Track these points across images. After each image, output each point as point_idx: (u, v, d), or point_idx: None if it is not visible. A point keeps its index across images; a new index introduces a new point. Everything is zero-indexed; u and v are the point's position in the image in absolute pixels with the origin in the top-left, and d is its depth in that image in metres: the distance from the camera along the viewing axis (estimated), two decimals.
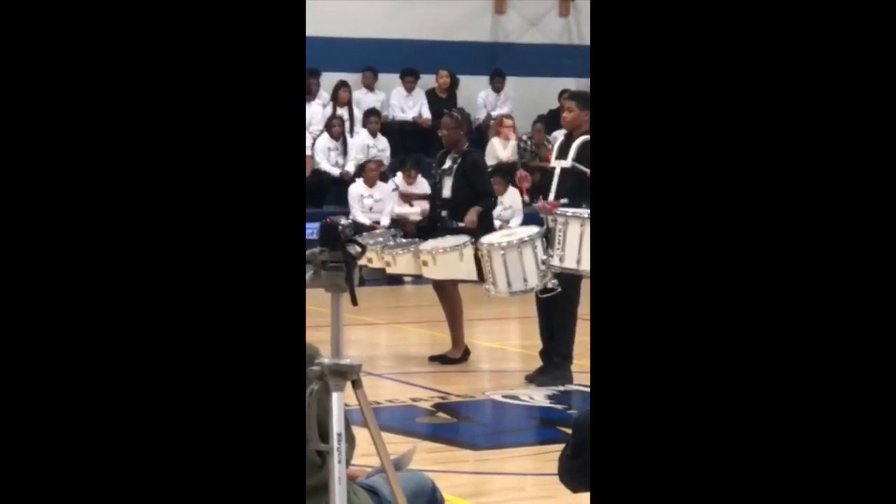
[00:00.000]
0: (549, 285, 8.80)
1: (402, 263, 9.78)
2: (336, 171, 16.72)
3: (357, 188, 16.03)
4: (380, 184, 16.07)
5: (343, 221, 3.52)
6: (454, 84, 18.47)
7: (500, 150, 17.24)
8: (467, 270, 9.30)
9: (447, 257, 9.40)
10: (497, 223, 11.60)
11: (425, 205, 10.69)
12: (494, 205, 9.97)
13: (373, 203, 15.95)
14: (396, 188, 16.15)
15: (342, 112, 17.28)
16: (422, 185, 15.46)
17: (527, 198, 14.05)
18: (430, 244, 9.63)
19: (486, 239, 9.12)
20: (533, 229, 9.26)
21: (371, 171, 15.99)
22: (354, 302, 3.48)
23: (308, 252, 3.48)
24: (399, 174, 16.31)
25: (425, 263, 9.53)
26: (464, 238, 9.40)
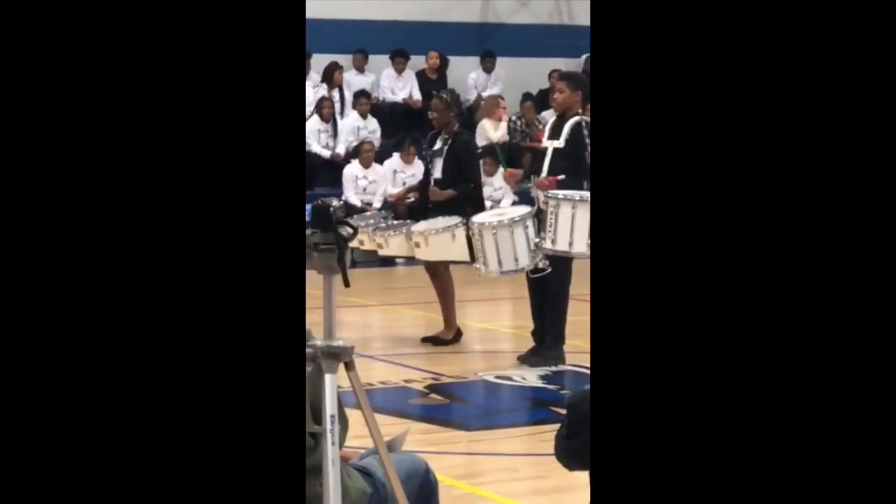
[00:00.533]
0: (540, 265, 8.82)
1: (394, 245, 9.79)
2: (326, 153, 16.71)
3: (352, 169, 16.04)
4: (375, 165, 16.07)
5: (334, 203, 3.51)
6: (444, 65, 18.46)
7: (490, 130, 17.22)
8: (460, 251, 9.30)
9: (439, 238, 9.41)
10: (488, 203, 11.59)
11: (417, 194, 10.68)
12: (474, 190, 9.92)
13: (367, 184, 15.95)
14: (395, 173, 16.11)
15: (333, 94, 17.26)
16: (417, 166, 15.47)
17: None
18: (421, 226, 9.63)
19: (477, 218, 9.13)
20: (524, 209, 9.27)
21: (366, 153, 16.00)
22: (347, 283, 3.48)
23: None
24: (396, 155, 16.28)
25: (417, 245, 9.53)
26: (456, 219, 9.40)
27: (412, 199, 10.42)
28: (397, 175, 16.11)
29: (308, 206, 3.51)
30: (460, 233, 9.27)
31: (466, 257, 9.22)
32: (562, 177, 8.72)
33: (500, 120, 17.37)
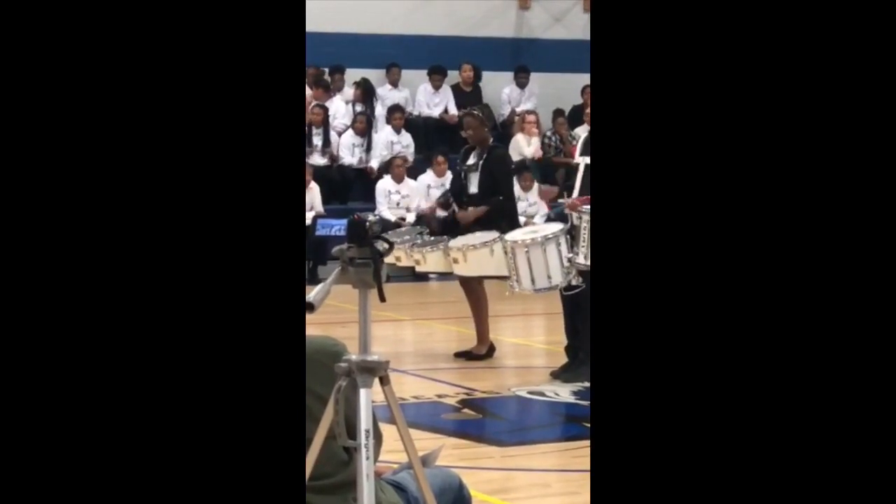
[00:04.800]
0: (574, 282, 8.79)
1: (431, 261, 9.73)
2: (361, 167, 16.73)
3: (385, 184, 16.04)
4: (407, 180, 16.07)
5: (371, 218, 3.51)
6: (478, 77, 18.45)
7: (524, 146, 17.21)
8: (497, 266, 9.25)
9: (478, 254, 9.36)
10: (522, 220, 11.58)
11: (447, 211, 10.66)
12: (504, 205, 9.89)
13: (400, 199, 15.95)
14: (429, 188, 16.11)
15: (361, 108, 17.29)
16: (450, 178, 15.46)
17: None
18: (459, 241, 9.59)
19: (510, 236, 9.11)
20: (557, 226, 9.24)
21: (398, 168, 16.00)
22: (382, 298, 3.48)
23: (335, 249, 3.49)
24: (429, 170, 16.29)
25: (456, 261, 9.48)
26: (493, 234, 9.37)
27: (444, 214, 10.41)
28: (431, 190, 16.10)
29: (344, 221, 3.52)
30: (498, 248, 9.22)
31: (504, 272, 9.17)
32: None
33: (531, 135, 17.36)
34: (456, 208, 9.92)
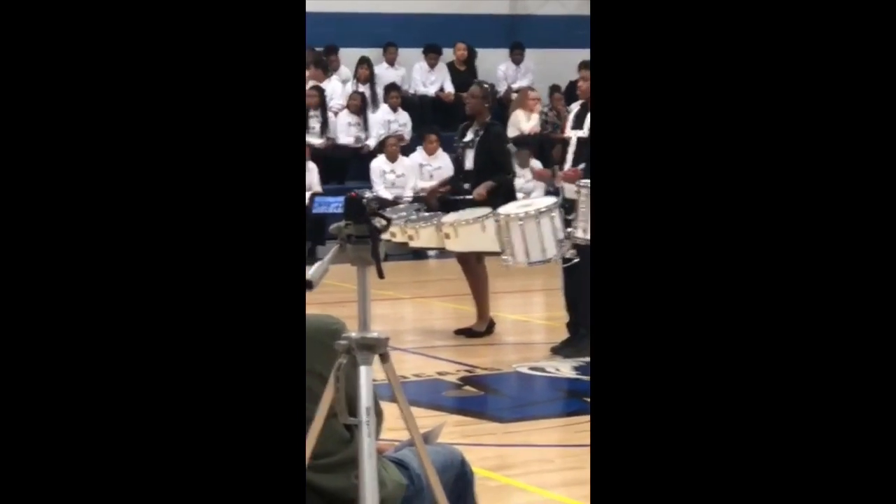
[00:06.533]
0: (568, 255, 8.81)
1: (424, 237, 9.76)
2: (357, 146, 16.71)
3: (379, 163, 16.01)
4: (402, 158, 16.04)
5: (367, 195, 3.50)
6: (472, 56, 18.43)
7: (523, 122, 17.20)
8: (490, 242, 9.27)
9: (469, 229, 9.38)
10: (519, 195, 11.57)
11: (447, 188, 10.66)
12: (510, 180, 9.93)
13: (395, 178, 15.92)
14: (421, 166, 16.09)
15: (363, 88, 17.27)
16: (441, 158, 15.44)
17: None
18: (452, 217, 9.61)
19: (503, 210, 9.13)
20: (550, 199, 9.25)
21: (391, 146, 15.97)
22: (381, 275, 3.47)
23: (333, 226, 3.48)
24: (420, 149, 16.28)
25: (448, 236, 9.51)
26: (485, 210, 9.38)
27: (444, 192, 10.39)
28: (423, 168, 16.08)
29: (341, 199, 3.51)
30: (490, 223, 9.24)
31: (496, 248, 9.19)
32: (582, 166, 8.69)
33: (532, 111, 17.34)
34: (466, 186, 9.91)
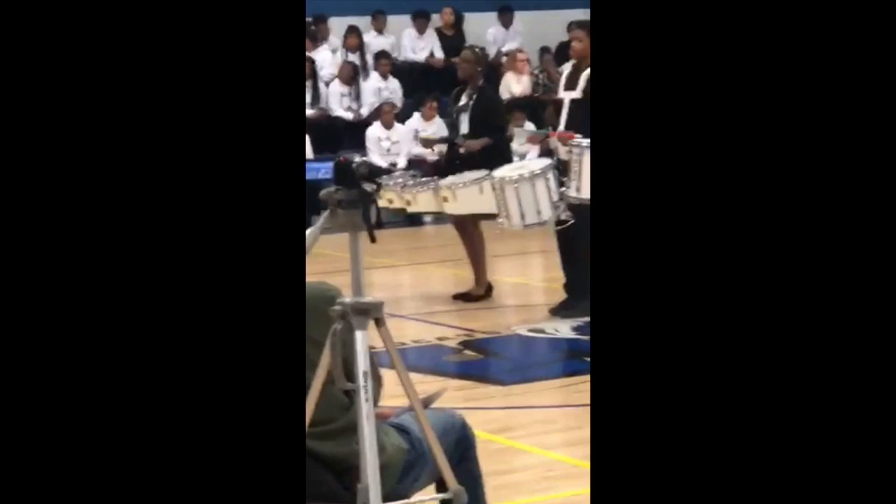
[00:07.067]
0: (563, 216, 8.80)
1: (422, 201, 9.72)
2: (350, 116, 16.68)
3: (374, 131, 16.02)
4: (397, 125, 16.04)
5: (356, 159, 3.48)
6: (459, 20, 18.38)
7: (514, 84, 17.16)
8: (488, 204, 9.25)
9: (467, 191, 9.36)
10: (515, 158, 11.57)
11: (444, 147, 10.67)
12: (505, 140, 9.94)
13: (390, 145, 15.92)
14: (416, 132, 16.06)
15: (353, 57, 17.22)
16: (438, 123, 15.42)
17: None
18: (449, 180, 9.60)
19: (497, 173, 9.12)
20: (544, 161, 9.24)
21: (386, 114, 15.97)
22: (373, 239, 3.45)
23: (323, 192, 3.45)
24: (417, 114, 16.24)
25: (446, 199, 9.48)
26: (482, 172, 9.36)
27: (439, 153, 10.43)
28: (419, 134, 16.06)
29: (330, 164, 3.49)
30: (487, 185, 9.22)
31: (495, 209, 9.18)
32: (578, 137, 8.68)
33: (521, 73, 17.30)
34: (457, 142, 9.91)
